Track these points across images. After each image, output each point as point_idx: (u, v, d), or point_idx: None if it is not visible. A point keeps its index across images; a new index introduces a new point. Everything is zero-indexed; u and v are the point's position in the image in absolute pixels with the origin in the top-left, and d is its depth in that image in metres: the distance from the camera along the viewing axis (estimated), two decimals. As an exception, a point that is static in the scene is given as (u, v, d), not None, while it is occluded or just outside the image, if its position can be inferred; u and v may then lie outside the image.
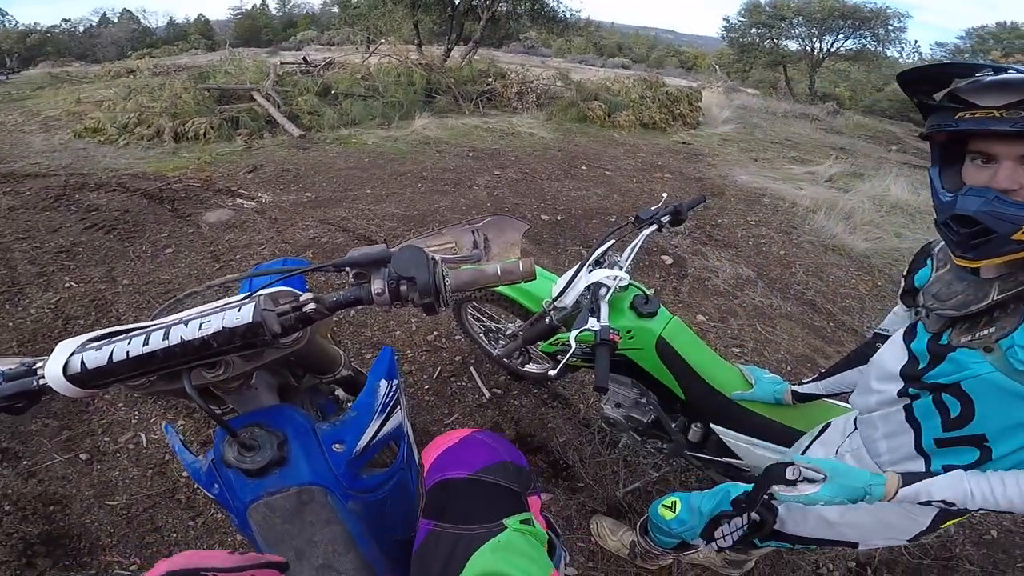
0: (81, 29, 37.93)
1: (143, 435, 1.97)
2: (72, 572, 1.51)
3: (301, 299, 0.61)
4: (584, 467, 1.96)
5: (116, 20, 41.71)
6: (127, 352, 0.55)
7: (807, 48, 18.50)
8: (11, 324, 2.55)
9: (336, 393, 1.15)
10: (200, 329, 0.55)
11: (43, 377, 0.58)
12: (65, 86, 9.90)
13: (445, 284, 0.64)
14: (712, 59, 29.39)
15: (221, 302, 0.64)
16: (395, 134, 6.22)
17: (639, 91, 8.46)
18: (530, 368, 2.17)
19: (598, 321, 1.18)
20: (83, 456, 1.88)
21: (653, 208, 1.51)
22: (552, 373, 1.23)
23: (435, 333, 2.60)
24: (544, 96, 8.20)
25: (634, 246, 1.45)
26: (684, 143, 7.39)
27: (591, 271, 1.35)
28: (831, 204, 4.84)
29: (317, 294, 0.63)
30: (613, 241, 1.45)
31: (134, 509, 1.71)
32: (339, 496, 0.68)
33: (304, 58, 8.92)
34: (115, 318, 2.63)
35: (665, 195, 1.78)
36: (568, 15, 10.65)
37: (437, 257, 0.66)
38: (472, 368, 2.37)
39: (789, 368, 2.63)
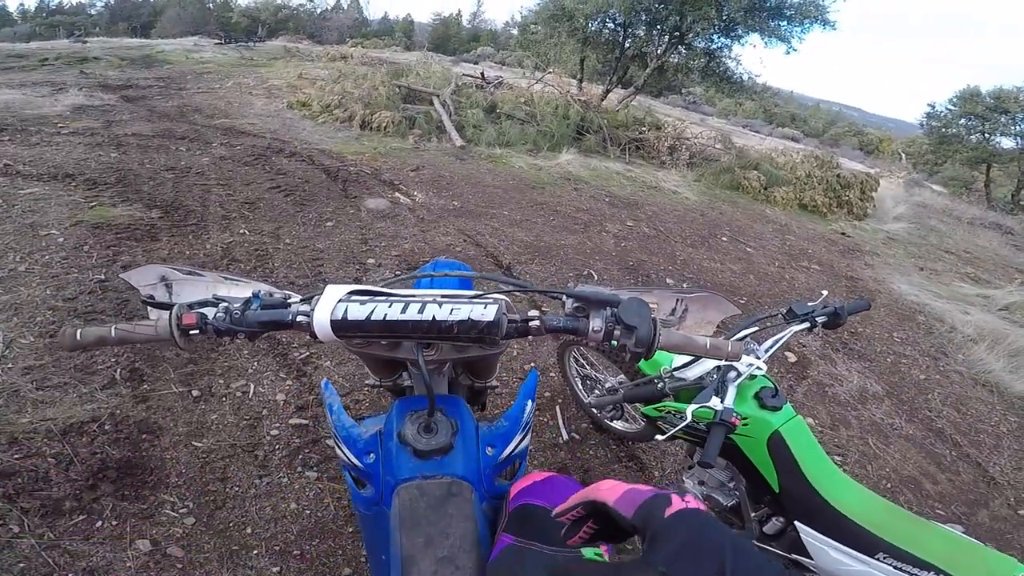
0: (318, 11, 44.92)
1: (252, 386, 2.16)
2: (124, 503, 1.59)
3: (531, 313, 0.67)
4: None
5: (346, 7, 48.73)
6: (385, 315, 0.61)
7: (1025, 148, 15.48)
8: (188, 253, 3.07)
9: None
10: (451, 314, 0.62)
11: (299, 314, 0.64)
12: (293, 60, 11.81)
13: (658, 339, 0.66)
14: (899, 145, 26.32)
15: (470, 293, 0.69)
16: (540, 163, 6.45)
17: (807, 168, 7.82)
18: (617, 424, 2.15)
19: (721, 402, 1.17)
20: (195, 392, 2.05)
21: (810, 304, 1.43)
22: (659, 437, 1.24)
23: (531, 364, 2.62)
24: (698, 156, 7.96)
25: (779, 339, 1.40)
26: (844, 234, 6.68)
27: None
28: (999, 337, 4.04)
29: (542, 315, 0.68)
30: (757, 328, 1.40)
31: (213, 455, 1.80)
32: (479, 496, 0.71)
33: (482, 73, 9.68)
34: (270, 270, 3.04)
35: (825, 293, 1.65)
36: (745, 77, 10.25)
37: (656, 315, 0.68)
38: (557, 407, 2.37)
39: (889, 486, 2.38)
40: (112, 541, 1.50)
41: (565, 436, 2.22)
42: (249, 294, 0.68)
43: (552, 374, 2.56)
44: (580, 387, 2.25)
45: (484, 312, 0.62)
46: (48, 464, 1.65)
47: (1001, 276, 6.54)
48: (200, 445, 1.83)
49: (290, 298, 0.69)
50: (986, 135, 16.12)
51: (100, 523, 1.53)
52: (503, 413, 0.84)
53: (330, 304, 0.62)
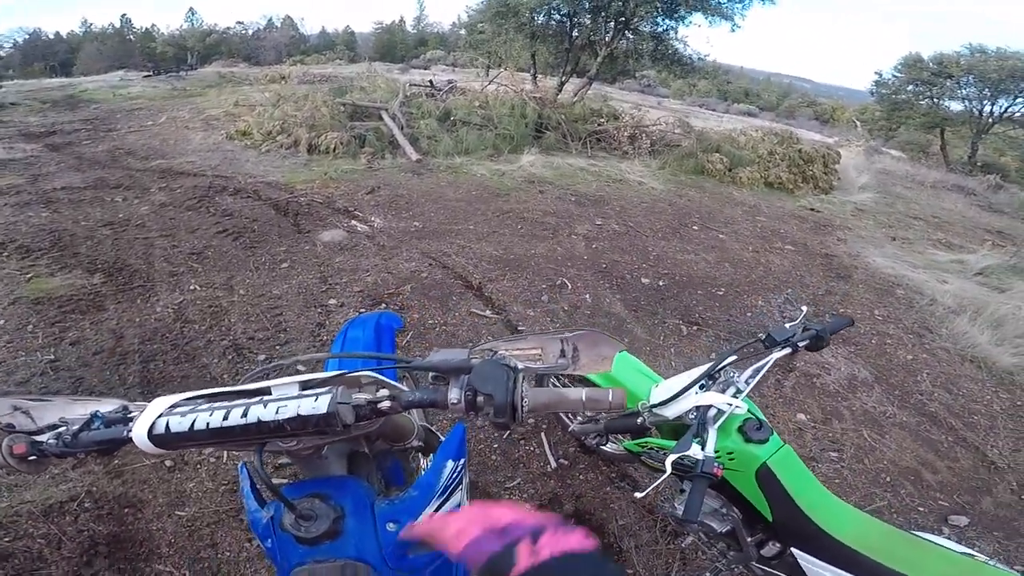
0: (251, 32, 43.61)
1: (226, 451, 2.03)
2: None
3: (378, 394, 0.65)
4: (637, 554, 1.85)
5: (279, 25, 47.47)
6: (207, 423, 0.59)
7: (973, 111, 16.11)
8: (138, 320, 2.82)
9: (410, 455, 1.18)
10: (276, 413, 0.59)
11: (131, 431, 0.62)
12: (228, 87, 11.31)
13: (523, 404, 0.63)
14: (853, 114, 27.05)
15: (303, 378, 0.67)
16: (503, 168, 6.30)
17: (768, 146, 7.88)
18: (608, 447, 2.07)
19: (702, 449, 1.09)
20: (168, 463, 1.98)
21: (788, 326, 1.37)
22: (638, 495, 1.15)
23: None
24: (659, 143, 7.92)
25: (759, 368, 1.31)
26: (812, 210, 6.74)
27: (704, 389, 1.24)
28: (979, 306, 4.11)
29: (394, 390, 0.65)
30: (735, 358, 1.30)
31: (198, 523, 1.78)
32: (382, 574, 0.71)
33: (431, 81, 9.44)
34: (226, 327, 2.82)
35: (804, 309, 1.60)
36: (695, 58, 10.28)
37: (520, 366, 0.66)
38: (543, 434, 2.30)
39: (888, 479, 2.35)
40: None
41: (553, 464, 2.17)
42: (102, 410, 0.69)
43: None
44: (563, 411, 2.15)
45: (315, 405, 0.59)
46: (40, 544, 1.68)
47: (972, 239, 6.72)
48: (184, 514, 1.80)
49: (131, 413, 0.69)
50: (935, 100, 16.71)
51: None
52: (414, 482, 0.83)
53: (149, 420, 0.61)
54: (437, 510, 0.80)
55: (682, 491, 1.46)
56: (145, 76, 13.91)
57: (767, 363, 1.32)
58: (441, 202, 4.95)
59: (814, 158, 7.80)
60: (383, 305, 3.12)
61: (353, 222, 4.26)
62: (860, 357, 3.29)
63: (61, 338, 2.63)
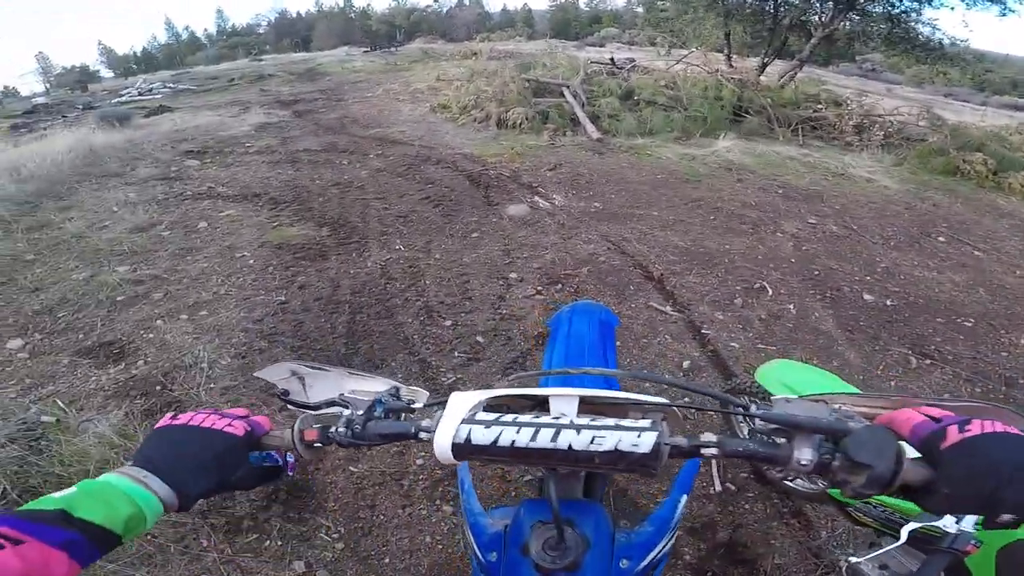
0: (444, 11, 47.37)
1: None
2: (289, 525, 1.68)
3: (703, 439, 0.55)
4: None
5: (467, 3, 50.73)
6: (513, 441, 0.54)
7: None
8: (352, 272, 3.21)
9: None
10: (592, 443, 0.53)
11: (421, 429, 0.59)
12: (430, 62, 12.40)
13: (899, 478, 0.48)
14: None
15: (597, 393, 0.61)
16: (693, 152, 5.78)
17: (1055, 146, 5.93)
18: (796, 484, 1.76)
19: (957, 523, 0.88)
20: None
21: None
22: (853, 560, 0.94)
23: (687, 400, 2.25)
24: (896, 135, 6.49)
25: None
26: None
27: None
28: None
29: (722, 436, 0.55)
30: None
31: (365, 482, 1.85)
32: None
33: (612, 59, 9.09)
34: (421, 288, 3.05)
35: None
36: (945, 43, 8.08)
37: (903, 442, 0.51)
38: None
39: None
40: (275, 561, 1.58)
41: (718, 487, 1.91)
42: (376, 390, 0.68)
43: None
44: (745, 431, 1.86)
45: (637, 442, 0.52)
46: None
47: None
48: (356, 471, 1.88)
49: (414, 403, 0.67)
50: None
51: (268, 542, 1.63)
52: (649, 514, 0.75)
53: (452, 426, 0.57)
54: (663, 548, 0.73)
55: (871, 545, 1.23)
56: (364, 52, 16.04)
57: None
58: (622, 184, 4.74)
59: None
60: (559, 285, 3.09)
61: (536, 198, 4.31)
62: None
63: (292, 281, 3.12)
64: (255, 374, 0.76)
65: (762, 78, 8.48)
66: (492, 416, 0.57)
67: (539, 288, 3.05)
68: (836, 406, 0.58)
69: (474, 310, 2.86)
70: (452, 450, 0.56)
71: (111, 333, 2.67)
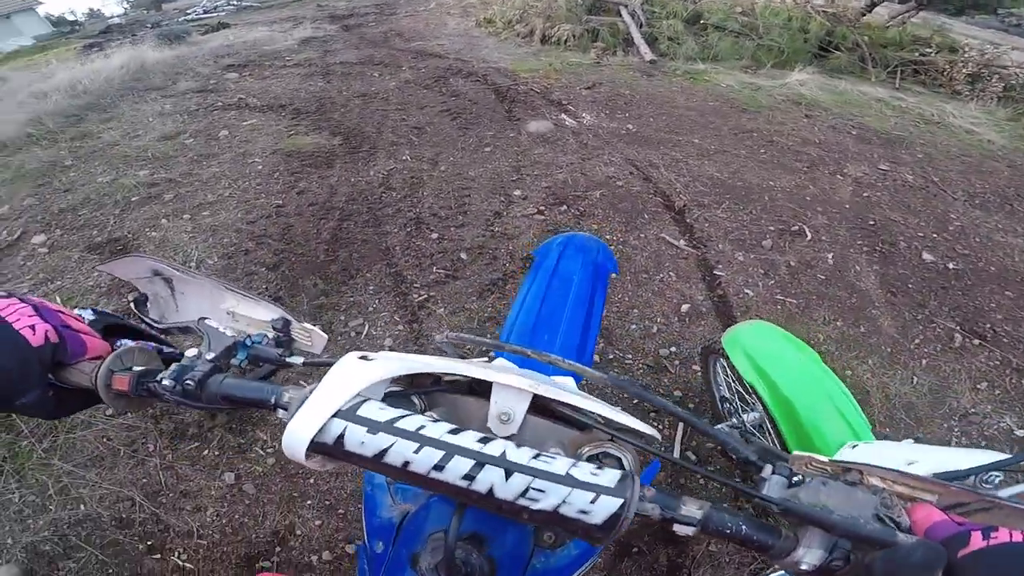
0: None
1: (367, 326, 2.12)
2: (229, 436, 1.66)
3: (682, 511, 0.35)
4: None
5: None
6: (406, 462, 0.34)
7: None
8: (352, 180, 3.10)
9: None
10: (524, 495, 0.33)
11: (281, 403, 0.40)
12: None
13: None
14: None
15: (533, 384, 0.42)
16: (759, 82, 5.06)
17: None
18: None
19: None
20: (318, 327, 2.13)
21: None
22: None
23: (673, 349, 2.01)
24: (1021, 89, 5.34)
25: None
26: None
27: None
28: None
29: (709, 509, 0.36)
30: None
31: None
32: None
33: None
34: (417, 199, 2.89)
35: None
36: None
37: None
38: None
39: None
40: (209, 470, 1.58)
41: (676, 453, 1.67)
42: (259, 319, 0.52)
43: (695, 368, 1.93)
44: (718, 403, 1.60)
45: (589, 509, 0.32)
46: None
47: None
48: (307, 383, 1.84)
49: (296, 352, 0.49)
50: None
51: (207, 451, 1.63)
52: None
53: (319, 415, 0.35)
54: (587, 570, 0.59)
55: None
56: None
57: None
58: (666, 108, 4.23)
59: None
60: (564, 207, 2.82)
61: (563, 116, 3.94)
62: None
63: (293, 187, 3.06)
64: (97, 267, 0.60)
65: (866, 18, 7.21)
66: (385, 413, 0.36)
67: (541, 208, 2.81)
68: (880, 488, 0.38)
69: (466, 224, 2.68)
70: (308, 447, 0.35)
71: (120, 231, 2.75)
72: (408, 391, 0.43)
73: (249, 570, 1.38)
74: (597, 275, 1.14)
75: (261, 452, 1.63)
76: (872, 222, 2.90)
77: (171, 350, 0.49)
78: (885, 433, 1.77)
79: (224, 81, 5.32)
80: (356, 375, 0.38)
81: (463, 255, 2.46)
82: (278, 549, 1.43)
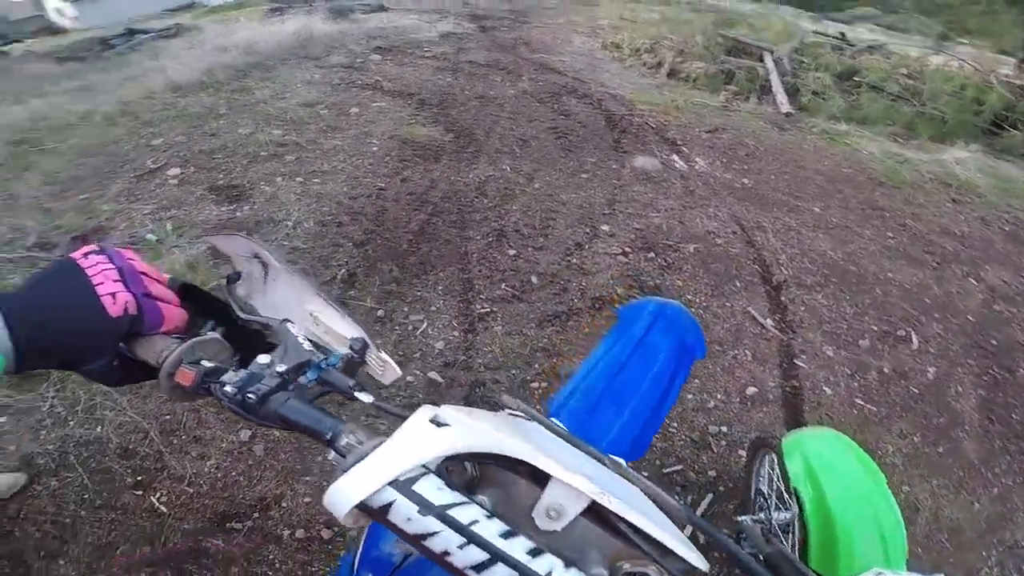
0: None
1: (425, 324, 2.16)
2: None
3: None
4: None
5: None
6: (445, 552, 0.32)
7: None
8: (452, 178, 3.19)
9: None
10: None
11: (341, 446, 0.38)
12: (623, 1, 11.48)
13: None
14: None
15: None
16: (907, 154, 4.53)
17: None
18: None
19: None
20: (380, 312, 2.20)
21: None
22: None
23: (724, 429, 1.87)
24: None
25: None
26: None
27: None
28: None
29: None
30: None
31: None
32: None
33: (842, 33, 7.41)
34: (505, 212, 2.92)
35: None
36: None
37: None
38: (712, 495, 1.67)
39: None
40: (230, 423, 1.67)
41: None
42: (339, 332, 0.50)
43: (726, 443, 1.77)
44: (752, 496, 1.48)
45: None
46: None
47: None
48: None
49: (360, 389, 0.44)
50: None
51: None
52: None
53: (374, 480, 0.33)
54: None
55: None
56: None
57: None
58: (791, 167, 3.92)
59: None
60: (651, 254, 2.70)
61: (674, 156, 3.79)
62: None
63: (398, 173, 3.21)
64: (206, 237, 0.63)
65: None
66: (442, 495, 0.34)
67: (627, 249, 2.72)
68: None
69: (545, 248, 2.66)
70: (356, 507, 0.33)
71: (241, 179, 3.06)
72: (464, 456, 0.40)
73: (220, 527, 1.41)
74: (682, 356, 1.08)
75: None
76: (995, 342, 2.49)
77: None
78: (918, 554, 1.58)
79: (368, 62, 5.73)
80: (426, 443, 0.36)
81: (534, 278, 2.45)
82: (256, 515, 1.45)
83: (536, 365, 2.02)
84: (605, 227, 2.88)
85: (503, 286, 2.38)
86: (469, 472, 0.40)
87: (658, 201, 3.19)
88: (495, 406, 0.43)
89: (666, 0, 11.56)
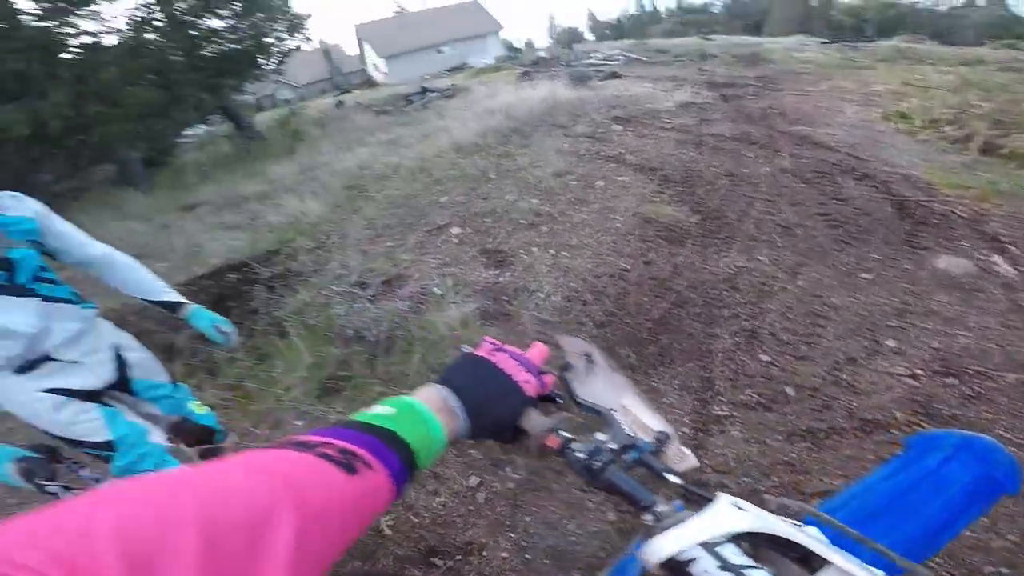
0: (944, 8, 35.34)
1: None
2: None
3: None
4: None
5: (983, 3, 36.02)
6: None
7: None
8: (698, 265, 3.08)
9: None
10: None
11: (654, 514, 0.47)
12: (904, 63, 9.79)
13: None
14: None
15: None
16: None
17: None
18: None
19: None
20: None
21: None
22: None
23: (1004, 571, 1.27)
24: None
25: None
26: None
27: None
28: None
29: None
30: None
31: None
32: None
33: None
34: (760, 311, 2.68)
35: None
36: None
37: None
38: None
39: None
40: (462, 467, 1.82)
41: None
42: (647, 425, 0.59)
43: None
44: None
45: None
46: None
47: None
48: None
49: (670, 472, 0.53)
50: None
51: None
52: None
53: (688, 539, 0.43)
54: None
55: None
56: (821, 43, 14.00)
57: None
58: None
59: None
60: (952, 380, 2.13)
61: (995, 258, 2.99)
62: None
63: (642, 255, 3.26)
64: (559, 338, 0.82)
65: None
66: (741, 559, 0.41)
67: (918, 372, 2.22)
68: None
69: (807, 358, 2.35)
70: (666, 563, 0.42)
71: (505, 244, 3.52)
72: (753, 535, 0.46)
73: (425, 561, 1.50)
74: (988, 489, 0.83)
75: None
76: None
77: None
78: None
79: (610, 132, 6.12)
80: (731, 519, 0.44)
81: (789, 390, 2.17)
82: (458, 557, 1.53)
83: (774, 477, 1.79)
84: (890, 342, 2.40)
85: (749, 392, 2.17)
86: (744, 548, 0.45)
87: (968, 316, 2.54)
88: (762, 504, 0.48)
89: (964, 60, 9.57)
